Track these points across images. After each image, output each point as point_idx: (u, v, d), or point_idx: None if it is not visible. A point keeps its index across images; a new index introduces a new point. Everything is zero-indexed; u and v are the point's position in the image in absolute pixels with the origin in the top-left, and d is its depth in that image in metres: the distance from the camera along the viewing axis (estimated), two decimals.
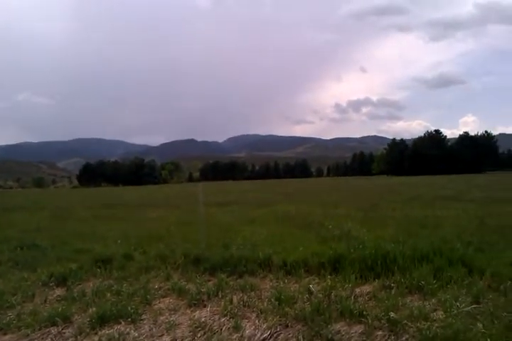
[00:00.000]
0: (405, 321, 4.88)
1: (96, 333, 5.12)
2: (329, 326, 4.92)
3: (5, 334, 5.24)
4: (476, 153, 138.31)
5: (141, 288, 6.69)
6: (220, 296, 6.28)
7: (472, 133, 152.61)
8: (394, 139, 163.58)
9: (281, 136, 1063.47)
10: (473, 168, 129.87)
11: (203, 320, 5.37)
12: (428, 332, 4.48)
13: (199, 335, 4.94)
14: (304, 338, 4.68)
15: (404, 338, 4.57)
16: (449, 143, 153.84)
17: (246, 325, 5.16)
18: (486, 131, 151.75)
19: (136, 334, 5.03)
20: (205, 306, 5.96)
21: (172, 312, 5.76)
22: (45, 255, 9.48)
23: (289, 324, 5.12)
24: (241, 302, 5.91)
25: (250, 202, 26.24)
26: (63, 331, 5.25)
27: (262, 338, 4.82)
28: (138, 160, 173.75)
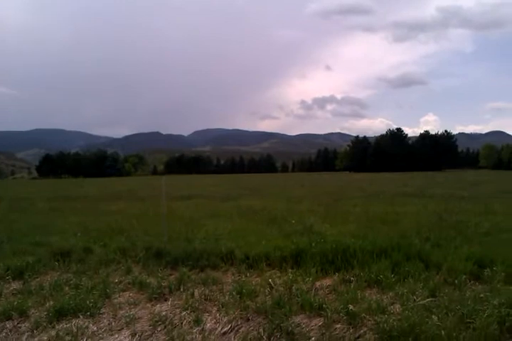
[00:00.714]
0: (363, 314, 4.99)
1: (53, 327, 5.03)
2: (289, 319, 4.99)
3: None
4: (436, 151, 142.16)
5: (101, 282, 6.61)
6: (182, 290, 6.28)
7: (432, 132, 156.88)
8: (357, 136, 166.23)
9: (247, 131, 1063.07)
10: (433, 165, 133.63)
11: (163, 313, 5.35)
12: (385, 325, 4.59)
13: (159, 329, 4.93)
14: (264, 331, 4.72)
15: (362, 331, 4.68)
16: (410, 142, 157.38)
17: (207, 319, 5.18)
18: (445, 131, 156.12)
19: (95, 328, 4.98)
20: (166, 300, 5.95)
21: (132, 306, 5.71)
22: (0, 248, 9.19)
23: (250, 317, 5.16)
24: (202, 296, 5.93)
25: (215, 196, 26.17)
26: (19, 325, 5.14)
27: (222, 331, 4.84)
28: (100, 152, 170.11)
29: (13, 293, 6.33)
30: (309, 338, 4.53)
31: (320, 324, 4.88)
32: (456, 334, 4.35)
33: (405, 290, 5.72)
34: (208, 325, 5.01)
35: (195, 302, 5.68)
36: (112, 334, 4.85)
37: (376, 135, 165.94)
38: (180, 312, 5.39)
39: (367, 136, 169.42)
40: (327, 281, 6.53)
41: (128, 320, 5.18)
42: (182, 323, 5.08)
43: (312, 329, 4.77)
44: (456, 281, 6.09)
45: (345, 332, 4.66)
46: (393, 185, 37.25)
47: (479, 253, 7.27)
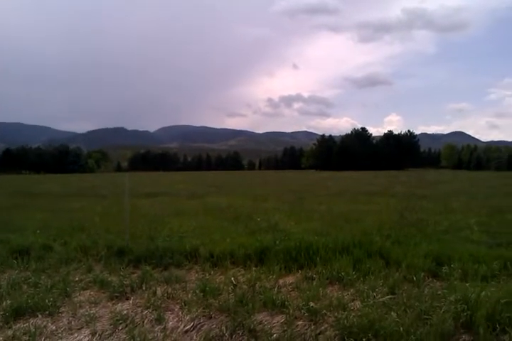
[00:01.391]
0: (325, 311, 5.07)
1: (10, 327, 4.90)
2: (252, 316, 5.01)
3: None
4: (399, 151, 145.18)
5: (61, 281, 6.47)
6: (144, 288, 6.21)
7: (396, 132, 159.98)
8: (323, 135, 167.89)
9: (214, 128, 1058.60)
10: (396, 165, 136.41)
11: (124, 312, 5.28)
12: (345, 322, 4.67)
13: (120, 328, 4.87)
14: (226, 329, 4.73)
15: (323, 327, 4.74)
16: (375, 141, 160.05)
17: (169, 317, 5.14)
18: (408, 130, 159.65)
19: (54, 328, 4.88)
20: (127, 299, 5.88)
21: (93, 305, 5.62)
22: None
23: (213, 315, 5.16)
24: (165, 295, 5.88)
25: (180, 193, 25.98)
26: None
27: (184, 330, 4.82)
28: (62, 147, 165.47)
29: None
30: (271, 335, 4.56)
31: (282, 321, 4.92)
32: (413, 330, 4.46)
33: (366, 287, 5.83)
34: (170, 323, 4.98)
35: (158, 300, 5.63)
36: (71, 334, 4.75)
37: (341, 134, 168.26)
38: (142, 311, 5.33)
39: (332, 134, 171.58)
40: (290, 279, 6.59)
41: (88, 319, 5.09)
42: (143, 322, 5.03)
43: (274, 327, 4.80)
44: (415, 278, 6.24)
45: (306, 329, 4.71)
46: (357, 184, 37.89)
47: (438, 251, 7.49)
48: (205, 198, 21.43)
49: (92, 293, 6.15)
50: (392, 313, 4.88)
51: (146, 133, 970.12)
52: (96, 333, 4.72)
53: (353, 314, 4.90)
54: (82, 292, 6.16)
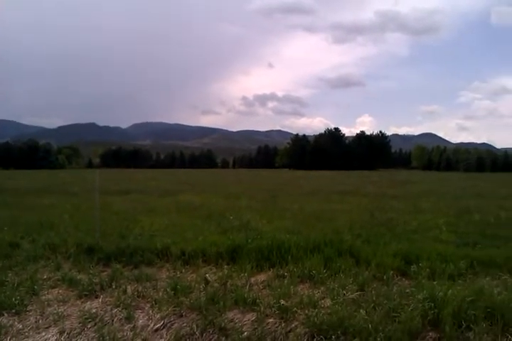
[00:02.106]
0: (295, 308, 5.11)
1: None
2: (223, 315, 5.01)
3: None
4: (371, 151, 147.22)
5: (28, 279, 6.34)
6: (114, 287, 6.13)
7: (368, 133, 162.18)
8: (297, 134, 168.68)
9: (188, 126, 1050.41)
10: (368, 165, 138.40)
11: (93, 311, 5.22)
12: (316, 319, 4.72)
13: (89, 326, 4.82)
14: (197, 327, 4.72)
15: (293, 325, 4.78)
16: (347, 141, 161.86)
17: (139, 316, 5.11)
18: (380, 131, 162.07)
19: (21, 326, 4.80)
20: (97, 297, 5.80)
21: (61, 304, 5.53)
22: None
23: (184, 313, 5.14)
24: (135, 293, 5.83)
25: (152, 191, 25.74)
26: None
27: (154, 328, 4.79)
28: (31, 142, 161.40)
29: None
30: (242, 333, 4.57)
31: (253, 319, 4.94)
32: (382, 327, 4.53)
33: (336, 285, 5.89)
34: (140, 321, 4.95)
35: (128, 299, 5.57)
36: (38, 333, 4.68)
37: (315, 133, 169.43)
38: (112, 310, 5.27)
39: (306, 134, 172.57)
40: (262, 277, 6.61)
41: (56, 317, 5.01)
42: (113, 320, 4.98)
43: (245, 324, 4.82)
44: (384, 276, 6.35)
45: (277, 327, 4.75)
46: (330, 183, 38.29)
47: (407, 250, 7.62)
48: (177, 196, 21.30)
49: (60, 291, 6.06)
50: (362, 311, 4.95)
51: (118, 129, 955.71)
52: (64, 332, 4.66)
53: (323, 311, 4.95)
54: (50, 290, 6.06)
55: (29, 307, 5.37)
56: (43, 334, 4.64)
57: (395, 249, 7.70)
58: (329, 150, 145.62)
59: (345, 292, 5.62)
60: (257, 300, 5.36)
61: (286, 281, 6.19)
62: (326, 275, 6.42)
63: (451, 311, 4.80)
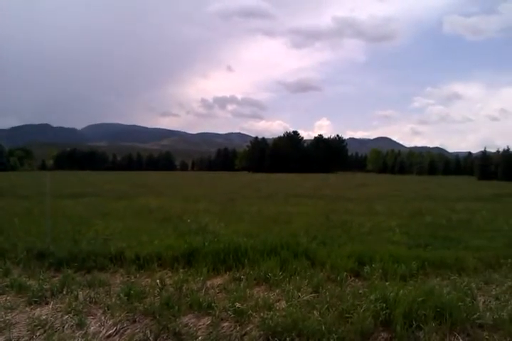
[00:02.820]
0: (250, 311, 5.10)
1: None
2: (178, 319, 4.95)
3: None
4: (329, 154, 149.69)
5: None
6: (65, 293, 5.95)
7: (326, 136, 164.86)
8: (256, 137, 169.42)
9: (145, 127, 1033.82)
10: (325, 168, 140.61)
11: (43, 317, 5.06)
12: (270, 322, 4.73)
13: (38, 334, 4.66)
14: (151, 332, 4.65)
15: (248, 328, 4.78)
16: (305, 144, 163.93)
17: (91, 322, 4.98)
18: (337, 135, 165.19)
19: None
20: (47, 303, 5.62)
21: (9, 311, 5.32)
22: None
23: (137, 319, 5.04)
24: (87, 299, 5.68)
25: (108, 194, 25.23)
26: None
27: (107, 334, 4.69)
28: None
29: None
30: (196, 337, 4.54)
31: (208, 323, 4.91)
32: (335, 328, 4.61)
33: (291, 287, 5.94)
34: (92, 328, 4.83)
35: (79, 305, 5.42)
36: None
37: (274, 136, 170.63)
38: (62, 316, 5.12)
39: (265, 137, 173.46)
40: (218, 280, 6.59)
41: (3, 325, 4.83)
42: (64, 327, 4.83)
43: (200, 329, 4.79)
44: (338, 278, 6.45)
45: (232, 330, 4.74)
46: (288, 186, 38.63)
47: (360, 252, 7.77)
48: (134, 199, 20.96)
49: (8, 297, 5.82)
50: (315, 312, 5.02)
51: (72, 130, 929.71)
52: (11, 340, 4.50)
53: (278, 314, 4.97)
54: None
55: None
56: None
57: (349, 251, 7.84)
58: (288, 153, 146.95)
59: (300, 294, 5.68)
60: (213, 304, 5.32)
61: (242, 284, 6.18)
62: (281, 277, 6.46)
63: (403, 311, 4.91)
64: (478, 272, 7.08)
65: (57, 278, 6.62)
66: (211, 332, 4.64)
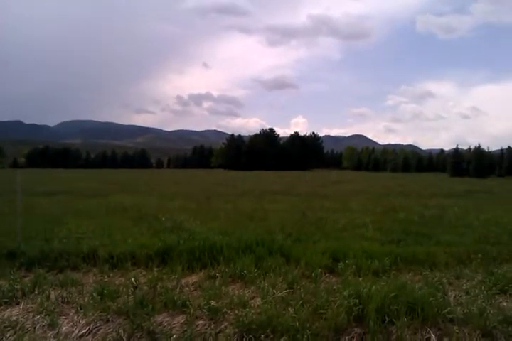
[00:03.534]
0: (225, 309, 5.11)
1: None
2: (152, 318, 4.92)
3: None
4: (305, 151, 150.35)
5: None
6: (37, 293, 5.88)
7: (302, 134, 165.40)
8: (232, 135, 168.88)
9: (120, 124, 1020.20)
10: (302, 165, 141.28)
11: (14, 318, 4.98)
12: (245, 319, 4.75)
13: (8, 335, 4.60)
14: (124, 332, 4.61)
15: (223, 326, 4.79)
16: (282, 142, 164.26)
17: (63, 322, 4.93)
18: (313, 132, 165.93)
19: None
20: (18, 304, 5.53)
21: None
22: None
23: (110, 318, 5.00)
24: (59, 299, 5.62)
25: (82, 192, 24.81)
26: None
27: (79, 334, 4.64)
28: None
29: None
30: (170, 336, 4.53)
31: (182, 321, 4.90)
32: (309, 324, 4.66)
33: (266, 284, 5.97)
34: (64, 328, 4.77)
35: (51, 305, 5.35)
36: None
37: (250, 134, 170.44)
38: (34, 316, 5.04)
39: (242, 134, 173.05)
40: (193, 278, 6.58)
41: None
42: (35, 328, 4.77)
43: (174, 327, 4.77)
44: (312, 274, 6.51)
45: (206, 328, 4.74)
46: (264, 183, 38.69)
47: (335, 248, 7.87)
48: (108, 197, 20.68)
49: None
50: (290, 309, 5.05)
51: (45, 127, 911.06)
52: None
53: (253, 311, 5.00)
54: None
55: None
56: None
57: (323, 247, 7.92)
58: (264, 151, 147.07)
59: (275, 291, 5.71)
60: (187, 302, 5.30)
61: (217, 282, 6.21)
62: (256, 274, 6.49)
63: (375, 307, 4.99)
64: (450, 267, 7.22)
65: (28, 278, 6.52)
66: (185, 331, 4.64)
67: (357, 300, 5.15)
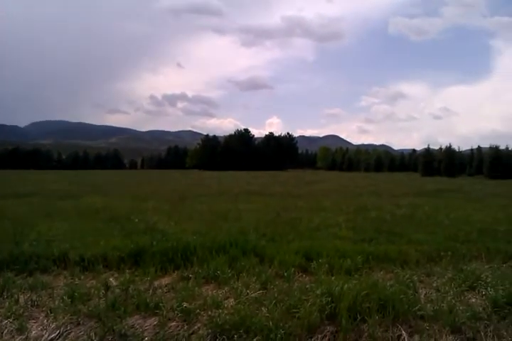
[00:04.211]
0: (198, 310, 5.10)
1: None
2: (123, 321, 4.86)
3: None
4: (279, 152, 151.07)
5: None
6: (5, 296, 5.74)
7: (276, 134, 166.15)
8: (207, 135, 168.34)
9: (92, 125, 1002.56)
10: (276, 165, 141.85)
11: None
12: (218, 320, 4.74)
13: None
14: (95, 335, 4.55)
15: (196, 327, 4.77)
16: (256, 142, 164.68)
17: (32, 326, 4.84)
18: (288, 133, 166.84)
19: None
20: None
21: None
22: None
23: (81, 321, 4.93)
24: (29, 302, 5.51)
25: (52, 193, 24.34)
26: None
27: (49, 338, 4.57)
28: None
29: None
30: (143, 338, 4.50)
31: (155, 323, 4.87)
32: (282, 324, 4.67)
33: (240, 284, 5.98)
34: (34, 332, 4.68)
35: (20, 309, 5.23)
36: None
37: (225, 134, 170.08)
38: (2, 321, 4.93)
39: (217, 135, 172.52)
40: (166, 280, 6.53)
41: None
42: (3, 333, 4.67)
43: (146, 330, 4.74)
44: (286, 274, 6.53)
45: (179, 330, 4.71)
46: (239, 184, 38.69)
47: (308, 247, 7.93)
48: (79, 199, 20.34)
49: None
50: (263, 308, 5.07)
51: (15, 128, 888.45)
52: None
53: (226, 311, 4.99)
54: None
55: None
56: None
57: (297, 247, 7.98)
58: (239, 151, 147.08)
59: (248, 291, 5.72)
60: (160, 304, 5.26)
61: (190, 283, 6.17)
62: (230, 275, 6.47)
63: (347, 305, 5.03)
64: (420, 265, 7.34)
65: None
66: (158, 333, 4.61)
67: (329, 299, 5.20)
